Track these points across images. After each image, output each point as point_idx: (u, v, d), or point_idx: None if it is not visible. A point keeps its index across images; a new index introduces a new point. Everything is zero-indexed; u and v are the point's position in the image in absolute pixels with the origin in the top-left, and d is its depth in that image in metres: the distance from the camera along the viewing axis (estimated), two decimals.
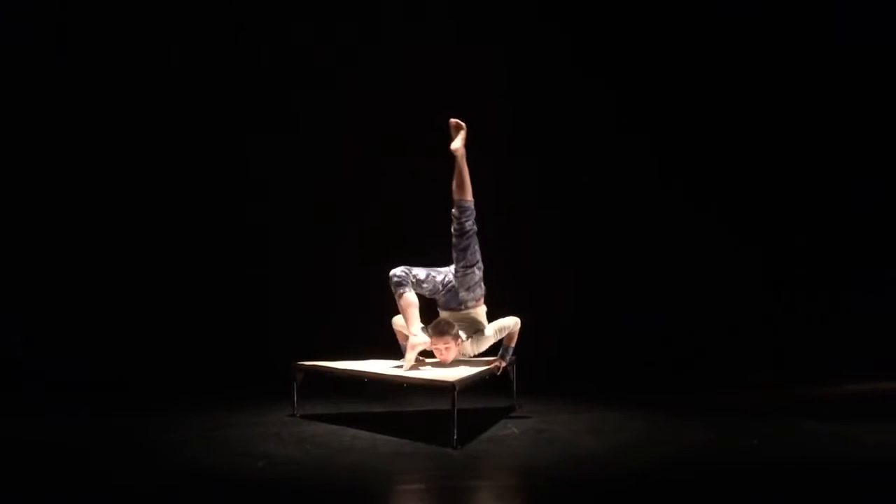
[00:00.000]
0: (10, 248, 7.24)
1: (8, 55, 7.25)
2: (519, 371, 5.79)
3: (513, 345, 5.56)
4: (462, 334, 5.44)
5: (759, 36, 7.86)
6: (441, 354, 5.37)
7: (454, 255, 5.60)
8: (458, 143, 5.59)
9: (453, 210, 5.59)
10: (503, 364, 5.52)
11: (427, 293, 5.61)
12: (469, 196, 5.59)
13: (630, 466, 4.53)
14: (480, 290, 5.63)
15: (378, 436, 5.10)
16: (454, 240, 5.60)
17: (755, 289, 7.97)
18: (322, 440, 5.01)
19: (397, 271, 5.51)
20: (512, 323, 5.55)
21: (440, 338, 5.32)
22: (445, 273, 5.61)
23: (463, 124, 5.61)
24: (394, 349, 5.72)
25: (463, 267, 5.56)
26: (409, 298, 5.45)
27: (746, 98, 7.94)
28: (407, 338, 5.47)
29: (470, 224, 5.58)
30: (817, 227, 7.96)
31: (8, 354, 6.90)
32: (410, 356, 5.36)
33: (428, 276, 5.57)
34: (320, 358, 5.64)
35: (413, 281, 5.53)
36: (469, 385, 5.07)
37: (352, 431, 5.20)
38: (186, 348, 7.21)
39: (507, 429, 5.30)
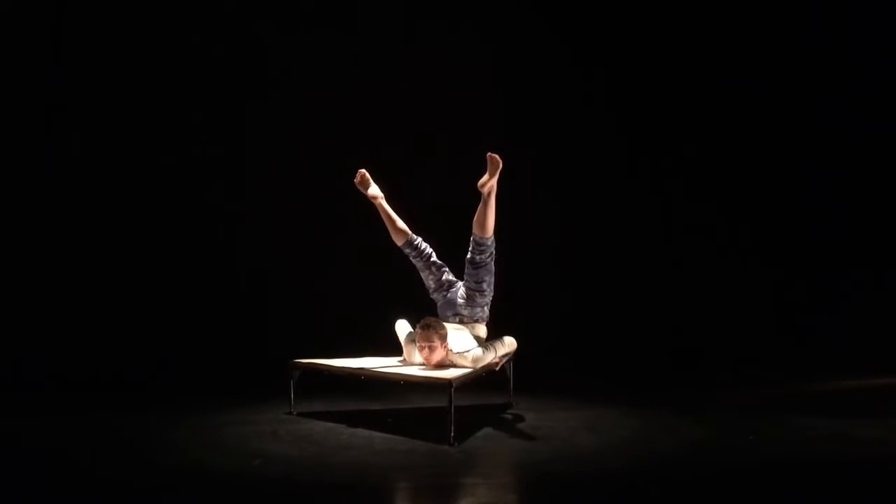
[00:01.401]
0: (9, 247, 7.23)
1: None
2: (516, 368, 5.79)
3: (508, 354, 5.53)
4: (453, 345, 5.26)
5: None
6: (423, 353, 5.20)
7: (465, 271, 5.49)
8: (484, 179, 5.20)
9: (471, 241, 5.41)
10: (500, 360, 5.50)
11: (432, 282, 5.58)
12: (488, 234, 5.34)
13: (626, 463, 4.54)
14: (482, 313, 5.52)
15: (375, 433, 5.10)
16: (467, 265, 5.47)
17: (752, 285, 7.97)
18: (319, 438, 5.01)
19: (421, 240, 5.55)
20: (508, 343, 5.46)
21: (424, 333, 5.16)
22: (456, 280, 5.55)
23: (499, 161, 5.19)
24: (391, 348, 5.70)
25: (470, 287, 5.45)
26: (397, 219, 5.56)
27: (749, 98, 7.94)
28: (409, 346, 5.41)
29: (482, 258, 5.39)
30: (815, 225, 7.96)
31: (6, 354, 6.90)
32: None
33: (441, 266, 5.53)
34: (317, 356, 5.64)
35: (426, 254, 5.52)
36: (466, 382, 5.07)
37: (349, 429, 5.20)
38: (183, 346, 7.21)
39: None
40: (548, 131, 7.87)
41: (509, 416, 5.57)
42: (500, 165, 5.21)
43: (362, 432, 5.14)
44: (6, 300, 7.16)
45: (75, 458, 4.71)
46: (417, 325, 5.25)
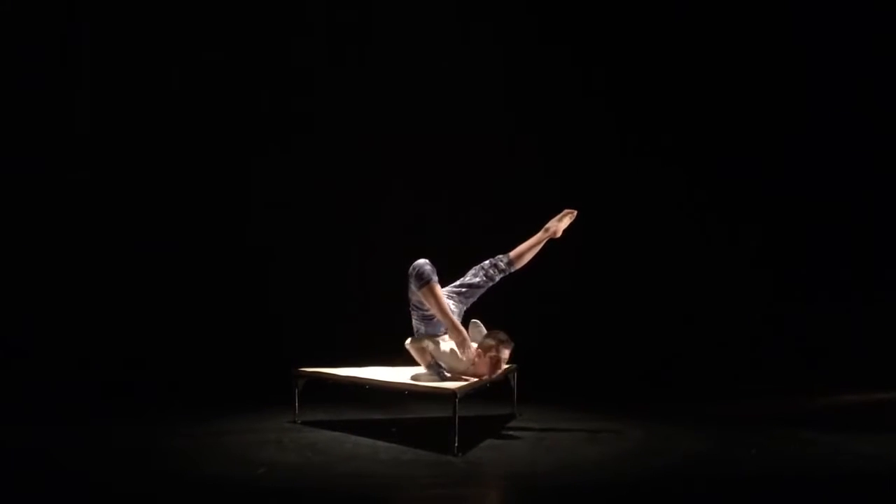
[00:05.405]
0: (12, 248, 7.26)
1: (14, 64, 7.30)
2: (520, 379, 5.81)
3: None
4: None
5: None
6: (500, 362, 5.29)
7: (466, 286, 5.47)
8: (556, 224, 5.62)
9: (495, 263, 5.47)
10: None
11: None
12: (519, 266, 5.54)
13: (629, 475, 4.55)
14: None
15: (379, 443, 5.12)
16: (470, 283, 5.45)
17: (754, 297, 7.98)
18: (323, 447, 5.03)
19: (426, 265, 5.15)
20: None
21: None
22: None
23: (573, 214, 5.68)
24: (394, 356, 5.69)
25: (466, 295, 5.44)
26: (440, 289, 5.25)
27: (749, 94, 7.95)
28: (430, 357, 5.28)
29: (493, 282, 5.48)
30: (815, 233, 7.96)
31: (8, 358, 6.92)
32: (471, 353, 5.21)
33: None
34: (322, 364, 5.66)
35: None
36: (470, 393, 5.09)
37: (353, 438, 5.22)
38: (188, 354, 7.23)
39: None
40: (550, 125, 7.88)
41: (513, 427, 5.58)
42: (572, 217, 5.67)
43: (366, 441, 5.16)
44: (7, 304, 7.18)
45: (77, 465, 4.73)
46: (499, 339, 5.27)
